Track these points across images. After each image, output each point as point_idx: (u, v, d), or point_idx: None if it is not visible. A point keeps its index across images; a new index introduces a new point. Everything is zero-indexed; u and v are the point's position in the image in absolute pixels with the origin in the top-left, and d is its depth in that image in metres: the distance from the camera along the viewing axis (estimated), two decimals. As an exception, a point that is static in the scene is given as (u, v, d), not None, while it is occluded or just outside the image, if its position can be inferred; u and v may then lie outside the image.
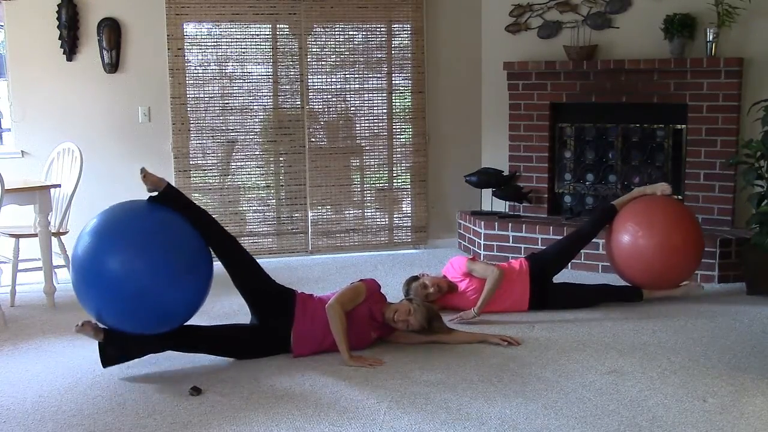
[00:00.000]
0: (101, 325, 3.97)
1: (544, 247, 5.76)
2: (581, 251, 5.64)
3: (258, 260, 4.38)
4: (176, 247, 3.94)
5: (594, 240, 5.50)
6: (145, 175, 4.11)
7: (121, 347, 4.02)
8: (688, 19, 5.96)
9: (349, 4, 6.64)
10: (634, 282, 5.32)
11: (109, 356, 4.02)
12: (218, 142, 6.56)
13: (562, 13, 6.52)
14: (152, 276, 3.81)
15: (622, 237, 5.25)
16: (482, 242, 6.51)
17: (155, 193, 4.12)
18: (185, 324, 4.12)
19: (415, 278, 5.03)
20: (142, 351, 4.09)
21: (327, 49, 6.72)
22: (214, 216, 4.41)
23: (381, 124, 6.87)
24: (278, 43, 6.60)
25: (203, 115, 6.49)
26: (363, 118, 6.84)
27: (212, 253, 4.16)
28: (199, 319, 4.72)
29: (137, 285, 3.78)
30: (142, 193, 4.16)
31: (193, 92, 6.44)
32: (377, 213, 6.99)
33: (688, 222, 5.28)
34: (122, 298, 3.79)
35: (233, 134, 6.58)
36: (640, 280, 5.28)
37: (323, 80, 6.71)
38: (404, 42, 6.84)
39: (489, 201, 6.76)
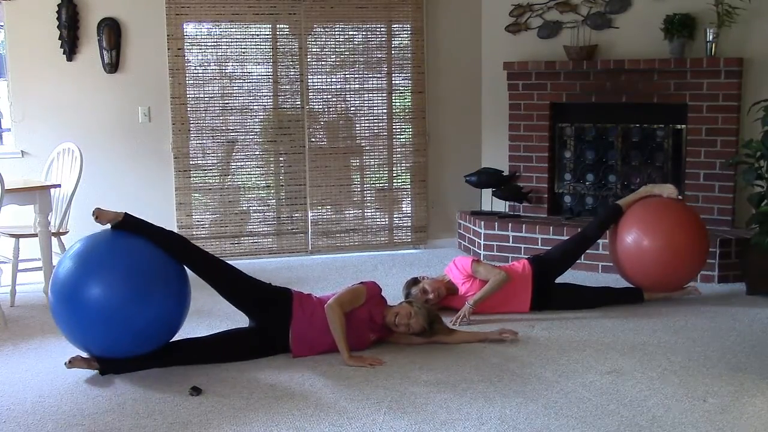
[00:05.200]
0: (90, 356, 3.99)
1: (547, 248, 5.71)
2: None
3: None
4: (139, 265, 3.95)
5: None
6: (98, 216, 4.03)
7: (119, 367, 4.03)
8: (688, 19, 5.96)
9: (349, 4, 6.64)
10: (637, 283, 5.31)
11: (108, 370, 4.03)
12: (218, 142, 6.56)
13: (562, 13, 6.51)
14: (119, 298, 3.84)
15: (626, 238, 5.23)
16: (482, 242, 6.51)
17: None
18: (181, 339, 4.13)
19: (415, 281, 5.01)
20: (140, 368, 4.07)
21: (327, 49, 6.71)
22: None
23: (381, 124, 6.87)
24: (278, 43, 6.59)
25: (203, 115, 6.49)
26: (363, 118, 6.84)
27: (191, 271, 4.16)
28: (201, 320, 4.74)
29: (107, 309, 3.82)
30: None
31: (193, 92, 6.44)
32: (377, 213, 6.99)
33: (693, 223, 5.26)
34: (97, 325, 3.85)
35: (233, 134, 6.58)
36: (643, 282, 5.27)
37: (323, 80, 6.70)
38: (404, 42, 6.84)
39: (489, 201, 6.75)
